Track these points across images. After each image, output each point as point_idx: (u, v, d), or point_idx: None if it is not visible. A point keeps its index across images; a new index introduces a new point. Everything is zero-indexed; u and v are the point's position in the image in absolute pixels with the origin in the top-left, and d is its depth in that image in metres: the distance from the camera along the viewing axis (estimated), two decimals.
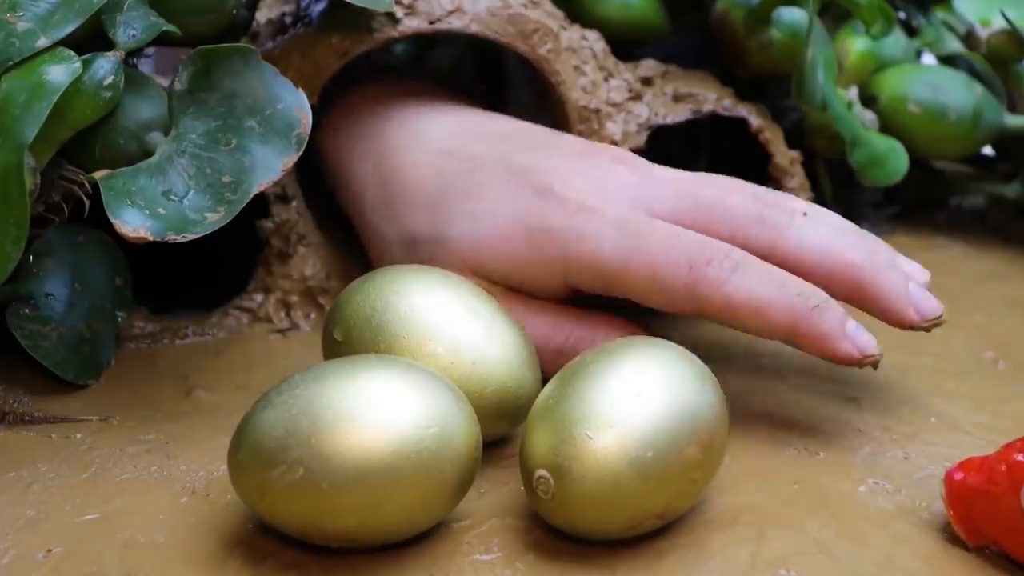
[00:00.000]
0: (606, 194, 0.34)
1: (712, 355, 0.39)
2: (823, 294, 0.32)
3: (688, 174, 0.35)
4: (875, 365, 0.32)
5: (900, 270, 0.33)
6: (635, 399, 0.26)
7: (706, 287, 0.32)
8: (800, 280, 0.32)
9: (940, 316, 0.32)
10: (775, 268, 0.32)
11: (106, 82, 0.32)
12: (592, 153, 0.36)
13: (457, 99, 0.42)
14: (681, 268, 0.32)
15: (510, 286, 0.35)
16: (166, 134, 0.33)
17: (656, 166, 0.36)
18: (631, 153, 0.36)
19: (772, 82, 0.48)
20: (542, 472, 0.26)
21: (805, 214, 0.34)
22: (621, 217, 0.33)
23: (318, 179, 0.43)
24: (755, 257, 0.32)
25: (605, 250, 0.33)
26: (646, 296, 0.33)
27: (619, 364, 0.27)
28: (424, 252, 0.37)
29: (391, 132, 0.39)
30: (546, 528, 0.27)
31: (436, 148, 0.38)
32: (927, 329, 0.32)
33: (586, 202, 0.34)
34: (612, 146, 0.36)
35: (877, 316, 0.33)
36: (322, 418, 0.25)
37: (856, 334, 0.31)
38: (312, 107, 0.34)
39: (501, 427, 0.31)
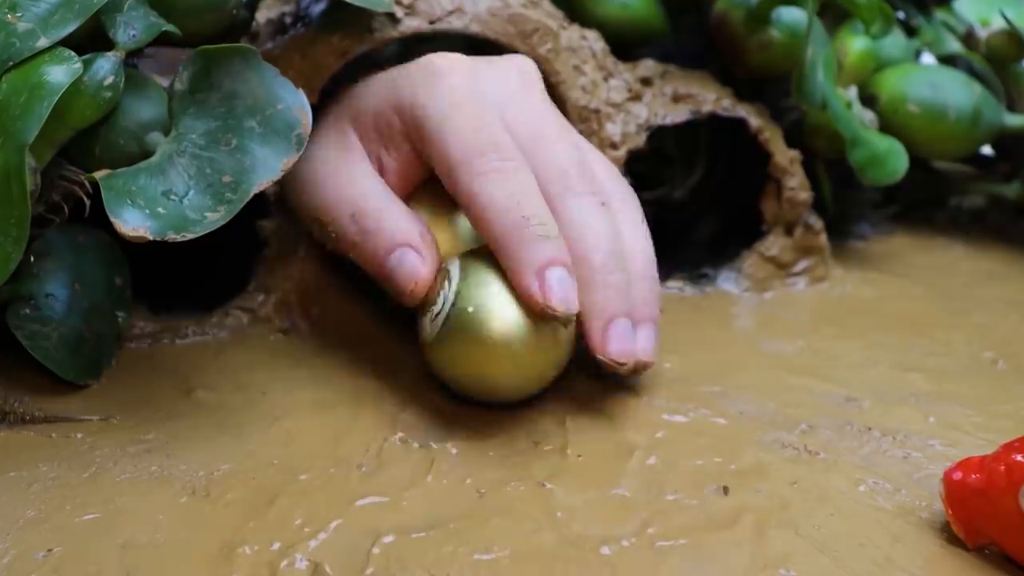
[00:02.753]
0: (478, 87, 0.35)
1: (713, 354, 0.39)
2: (554, 230, 0.31)
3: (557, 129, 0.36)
4: (564, 323, 0.31)
5: (630, 309, 0.33)
6: None
7: (466, 175, 0.32)
8: (544, 211, 0.32)
9: (624, 364, 0.32)
10: (531, 188, 0.32)
11: (106, 82, 0.32)
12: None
13: None
14: (470, 152, 0.33)
15: (376, 126, 0.36)
16: (166, 134, 0.33)
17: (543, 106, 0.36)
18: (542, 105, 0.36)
19: (772, 82, 0.48)
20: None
21: (604, 204, 0.34)
22: (463, 96, 0.34)
23: None
24: (530, 175, 0.33)
25: (431, 108, 0.34)
26: (440, 168, 0.34)
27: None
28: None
29: None
30: (548, 529, 0.28)
31: None
32: (620, 369, 0.32)
33: (455, 79, 0.35)
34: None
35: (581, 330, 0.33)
36: None
37: (558, 284, 0.30)
38: (312, 106, 0.34)
39: (551, 374, 0.33)
